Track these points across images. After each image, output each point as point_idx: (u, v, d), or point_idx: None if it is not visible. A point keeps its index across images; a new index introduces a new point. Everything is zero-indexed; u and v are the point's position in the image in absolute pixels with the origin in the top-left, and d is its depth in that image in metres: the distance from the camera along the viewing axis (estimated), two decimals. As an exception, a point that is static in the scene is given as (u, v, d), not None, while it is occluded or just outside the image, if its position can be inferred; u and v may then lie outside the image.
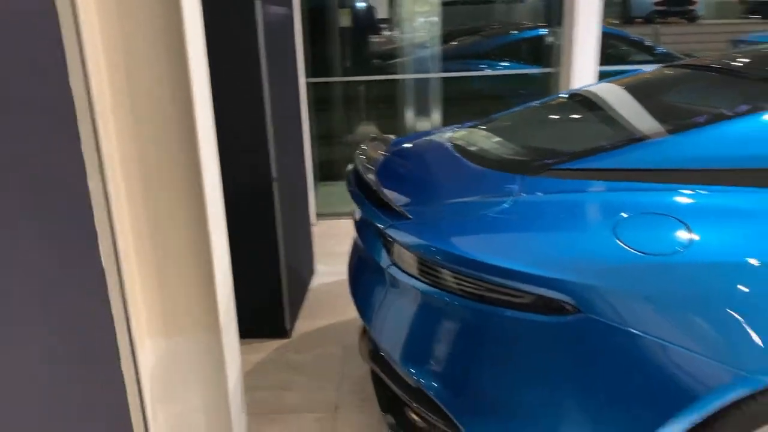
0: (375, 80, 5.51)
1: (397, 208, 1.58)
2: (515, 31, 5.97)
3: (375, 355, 1.78)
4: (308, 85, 4.78)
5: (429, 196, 1.67)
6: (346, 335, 2.88)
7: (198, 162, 1.58)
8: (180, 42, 1.49)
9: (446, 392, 1.43)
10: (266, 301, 2.80)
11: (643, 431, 1.23)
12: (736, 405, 1.21)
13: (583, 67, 4.05)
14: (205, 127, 1.63)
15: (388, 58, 5.70)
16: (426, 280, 1.47)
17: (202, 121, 1.60)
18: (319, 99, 5.26)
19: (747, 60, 2.08)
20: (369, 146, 2.17)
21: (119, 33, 1.48)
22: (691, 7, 9.77)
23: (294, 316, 3.03)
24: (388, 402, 1.80)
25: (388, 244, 1.62)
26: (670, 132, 1.58)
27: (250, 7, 2.37)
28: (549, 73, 4.69)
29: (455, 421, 1.43)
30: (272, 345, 2.83)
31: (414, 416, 1.65)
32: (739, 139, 1.47)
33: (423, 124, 5.35)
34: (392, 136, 2.48)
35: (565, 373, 1.29)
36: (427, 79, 5.26)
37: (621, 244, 1.30)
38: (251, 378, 2.57)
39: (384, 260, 1.63)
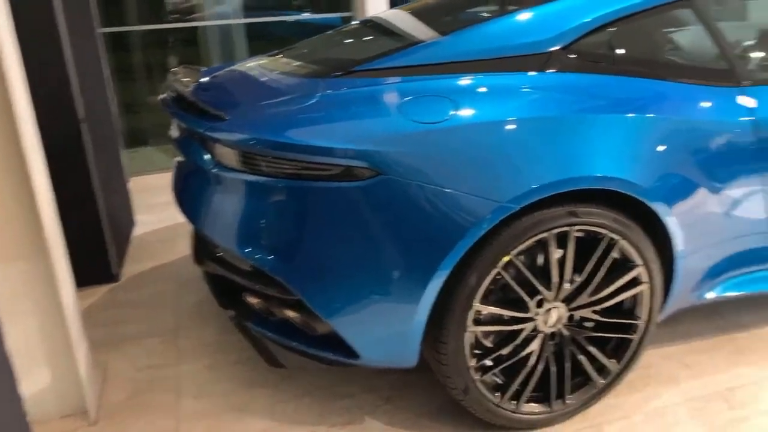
0: (176, 29, 5.36)
1: (214, 112, 1.73)
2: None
3: (210, 255, 1.93)
4: (103, 36, 4.55)
5: (244, 101, 1.84)
6: (178, 273, 2.95)
7: (8, 98, 1.60)
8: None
9: (279, 264, 1.64)
10: (90, 246, 2.75)
11: (436, 261, 1.56)
12: (496, 229, 1.58)
13: (374, 10, 4.39)
14: (12, 65, 1.64)
15: (187, 13, 5.57)
16: (249, 170, 1.65)
17: (9, 61, 1.62)
18: (116, 49, 5.01)
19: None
20: (182, 71, 2.26)
21: None
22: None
23: (120, 262, 3.02)
24: (227, 298, 1.96)
25: (209, 147, 1.76)
26: (439, 36, 1.91)
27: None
28: (348, 17, 4.99)
29: (290, 288, 1.65)
30: (102, 289, 2.81)
31: (253, 300, 1.84)
32: (492, 36, 1.85)
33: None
34: (202, 67, 2.57)
35: (373, 226, 1.57)
36: (229, 27, 5.26)
37: (405, 118, 1.59)
38: (86, 319, 2.55)
39: (207, 163, 1.77)
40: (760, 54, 2.25)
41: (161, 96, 2.17)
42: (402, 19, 2.41)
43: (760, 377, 2.06)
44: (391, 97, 1.70)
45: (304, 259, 1.63)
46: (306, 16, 5.75)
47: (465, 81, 1.73)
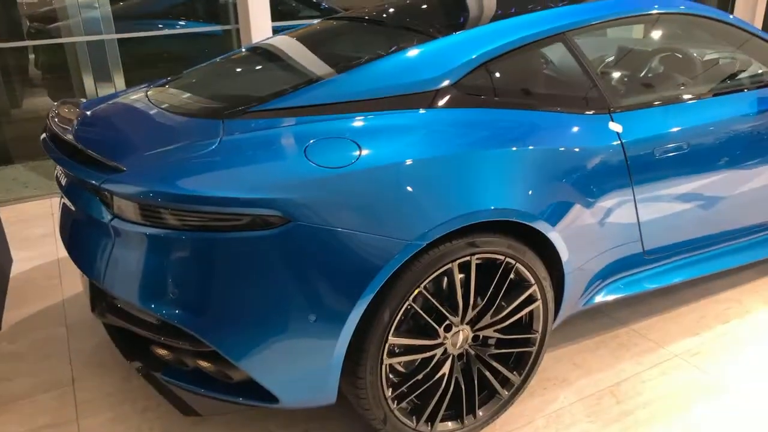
0: (40, 46, 4.95)
1: (108, 162, 1.65)
2: (188, -10, 5.94)
3: (111, 308, 1.84)
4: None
5: (140, 147, 1.77)
6: (68, 315, 2.77)
7: None
8: None
9: (191, 317, 1.60)
10: (-39, 297, 2.51)
11: (350, 302, 1.60)
12: (405, 265, 1.65)
13: (259, 24, 4.33)
14: None
15: (49, 21, 5.17)
16: (151, 224, 1.60)
17: None
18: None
19: (389, 11, 2.59)
20: (60, 109, 2.12)
21: None
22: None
23: (-1, 308, 2.78)
24: (132, 349, 1.88)
25: (105, 199, 1.68)
26: (338, 72, 1.95)
27: None
28: (230, 30, 4.86)
29: (204, 340, 1.62)
30: (-21, 343, 2.57)
31: (161, 351, 1.78)
32: (384, 75, 1.91)
33: (106, 89, 5.05)
34: (82, 99, 2.42)
35: (287, 272, 1.58)
36: (101, 42, 4.94)
37: (312, 163, 1.62)
38: (-38, 380, 2.33)
39: (104, 215, 1.69)
40: (626, 82, 2.50)
41: (42, 136, 2.03)
42: (294, 50, 2.43)
43: (638, 370, 2.31)
44: (294, 141, 1.71)
45: (217, 310, 1.60)
46: (187, 30, 5.52)
47: (365, 122, 1.78)
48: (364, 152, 1.67)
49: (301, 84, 1.93)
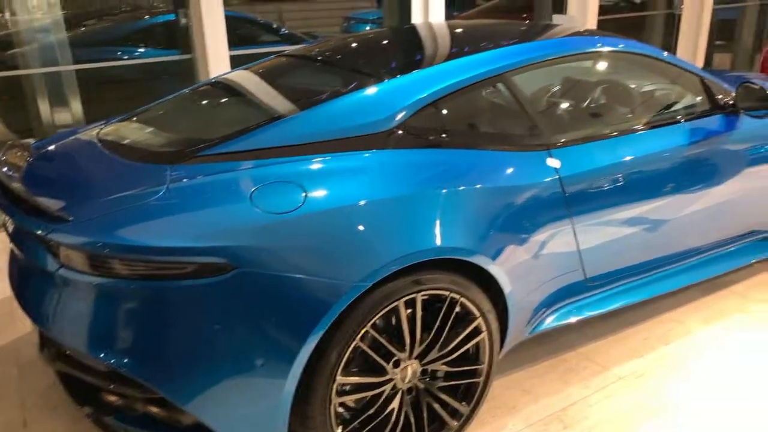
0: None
1: (55, 212, 1.67)
2: (147, 16, 5.94)
3: (60, 355, 1.84)
4: None
5: (85, 195, 1.79)
6: (18, 355, 2.74)
7: None
8: None
9: (140, 366, 1.62)
10: None
11: (298, 345, 1.64)
12: (352, 306, 1.70)
13: (216, 52, 4.35)
14: None
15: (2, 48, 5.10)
16: (98, 273, 1.62)
17: None
18: None
19: (339, 52, 2.66)
20: (8, 154, 2.12)
21: None
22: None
23: (-52, 350, 2.73)
24: (82, 395, 1.89)
25: (52, 248, 1.70)
26: (287, 115, 2.00)
27: None
28: (188, 58, 4.87)
29: (150, 387, 1.64)
30: (-73, 387, 2.52)
31: (111, 398, 1.79)
32: (330, 118, 1.97)
33: (62, 117, 4.99)
34: (31, 140, 2.42)
35: (235, 318, 1.62)
36: (57, 71, 4.88)
37: (257, 209, 1.66)
38: None
39: (51, 264, 1.70)
40: (565, 118, 2.61)
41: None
42: (247, 88, 2.48)
43: (585, 394, 2.40)
44: (241, 187, 1.75)
45: (166, 358, 1.63)
46: (145, 60, 5.47)
47: (311, 165, 1.84)
48: (310, 196, 1.72)
49: (251, 127, 1.97)
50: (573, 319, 2.41)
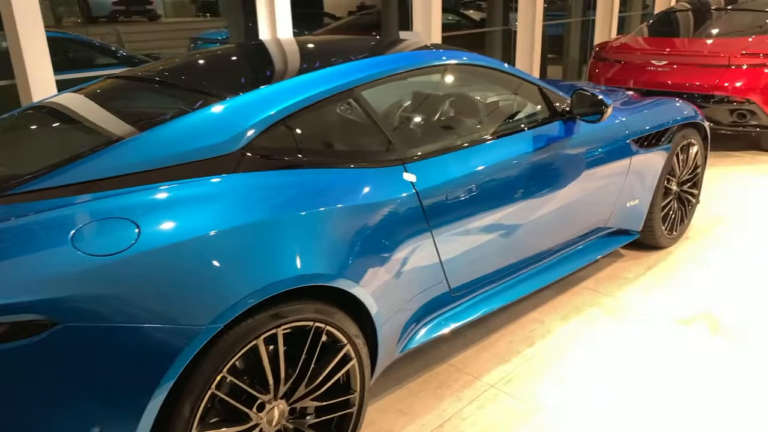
0: None
1: None
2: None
3: None
4: None
5: None
6: None
7: None
8: None
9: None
10: None
11: (142, 404, 1.43)
12: (203, 351, 1.52)
13: (38, 76, 3.90)
14: None
15: None
16: None
17: None
18: None
19: (177, 71, 2.45)
20: None
21: None
22: (149, 6, 10.24)
23: None
24: None
25: None
26: (116, 142, 1.77)
27: None
28: (12, 84, 4.33)
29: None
30: None
31: None
32: (166, 142, 1.78)
33: None
34: None
35: (57, 385, 1.37)
36: None
37: (81, 252, 1.43)
38: None
39: None
40: (417, 132, 2.61)
41: None
42: (74, 113, 2.22)
43: (458, 408, 2.38)
44: (60, 228, 1.50)
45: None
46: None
47: (147, 196, 1.63)
48: (145, 232, 1.52)
49: (74, 157, 1.72)
50: (442, 332, 2.39)
